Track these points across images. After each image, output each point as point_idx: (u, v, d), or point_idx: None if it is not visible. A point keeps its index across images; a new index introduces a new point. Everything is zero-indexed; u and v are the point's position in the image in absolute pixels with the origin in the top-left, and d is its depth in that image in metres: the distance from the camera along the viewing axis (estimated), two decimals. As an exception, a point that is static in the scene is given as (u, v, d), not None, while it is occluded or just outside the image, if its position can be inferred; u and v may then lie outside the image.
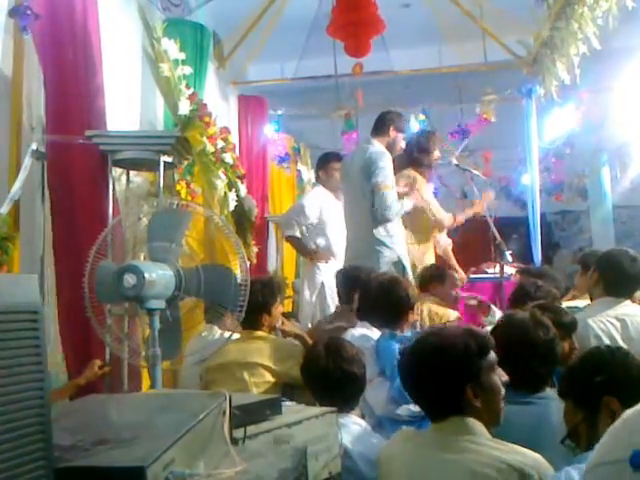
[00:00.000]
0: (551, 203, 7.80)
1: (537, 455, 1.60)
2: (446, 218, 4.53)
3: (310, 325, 4.19)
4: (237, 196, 4.20)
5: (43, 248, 2.92)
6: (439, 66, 5.96)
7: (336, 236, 4.60)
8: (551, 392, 2.05)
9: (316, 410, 1.78)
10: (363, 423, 2.19)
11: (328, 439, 1.73)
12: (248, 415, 1.51)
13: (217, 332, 3.10)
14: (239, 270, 2.52)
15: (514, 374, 2.04)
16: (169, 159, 3.12)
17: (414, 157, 4.48)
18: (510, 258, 4.18)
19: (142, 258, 2.64)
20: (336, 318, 3.44)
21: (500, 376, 1.75)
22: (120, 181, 3.31)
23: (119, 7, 3.60)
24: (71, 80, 2.96)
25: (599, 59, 3.96)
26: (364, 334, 2.85)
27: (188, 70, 3.61)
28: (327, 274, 4.44)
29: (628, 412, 0.84)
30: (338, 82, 5.65)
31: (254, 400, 1.67)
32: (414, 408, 2.19)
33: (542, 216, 5.65)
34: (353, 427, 2.10)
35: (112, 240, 2.66)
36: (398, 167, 4.22)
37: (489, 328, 2.39)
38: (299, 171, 7.01)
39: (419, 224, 4.43)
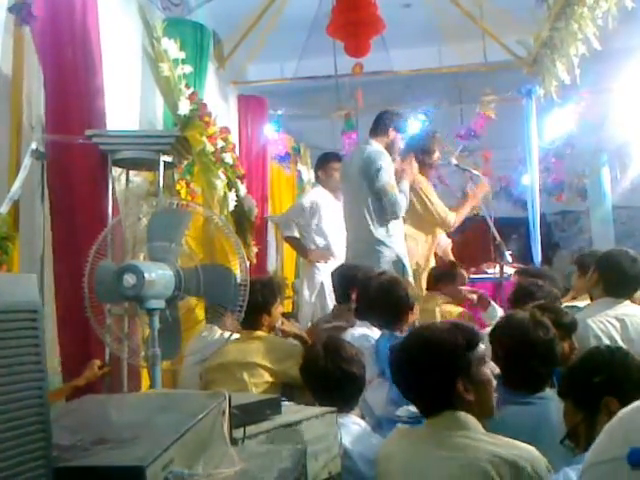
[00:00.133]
0: (551, 203, 7.81)
1: (531, 448, 1.60)
2: (452, 216, 4.50)
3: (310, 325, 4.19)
4: (237, 196, 4.19)
5: (43, 248, 2.91)
6: (439, 66, 5.94)
7: (335, 236, 4.60)
8: (551, 392, 2.05)
9: (316, 410, 1.79)
10: (363, 423, 2.19)
11: (328, 439, 1.73)
12: (248, 415, 1.51)
13: (217, 332, 3.10)
14: (239, 270, 2.52)
15: (514, 374, 2.04)
16: (169, 159, 3.12)
17: (418, 159, 4.47)
18: (510, 258, 4.18)
19: (142, 258, 2.63)
20: (334, 318, 3.44)
21: (492, 369, 1.75)
22: (120, 181, 3.30)
23: (119, 7, 3.59)
24: (71, 80, 2.95)
25: (599, 59, 3.95)
26: (364, 334, 2.85)
27: (188, 70, 3.60)
28: (327, 274, 4.43)
29: (624, 410, 0.84)
30: (338, 82, 5.63)
31: (254, 400, 1.67)
32: (413, 409, 2.18)
33: (542, 216, 5.64)
34: (353, 427, 2.10)
35: (112, 240, 2.66)
36: None
37: (489, 329, 2.39)
38: (299, 171, 7.00)
39: (425, 221, 4.43)
